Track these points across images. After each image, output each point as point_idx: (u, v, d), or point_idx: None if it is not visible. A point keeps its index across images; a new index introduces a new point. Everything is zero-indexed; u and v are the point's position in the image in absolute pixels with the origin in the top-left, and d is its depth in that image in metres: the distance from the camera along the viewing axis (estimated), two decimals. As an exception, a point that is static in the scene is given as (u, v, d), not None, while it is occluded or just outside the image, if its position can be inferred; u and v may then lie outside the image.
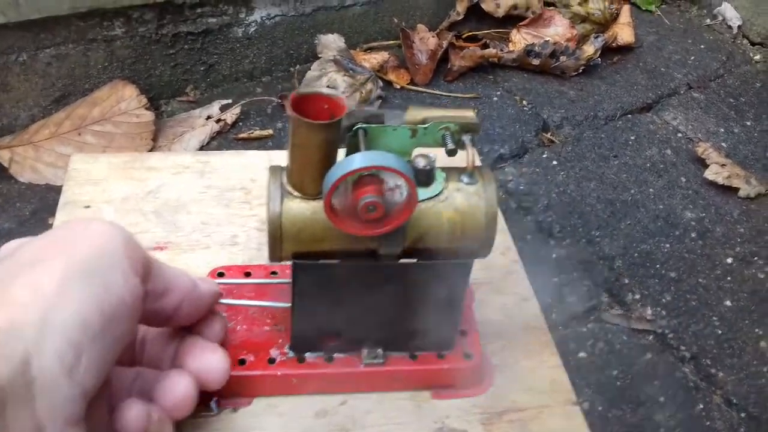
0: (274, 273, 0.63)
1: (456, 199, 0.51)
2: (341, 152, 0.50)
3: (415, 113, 0.51)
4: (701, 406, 0.65)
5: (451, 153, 0.51)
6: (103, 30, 0.83)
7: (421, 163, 0.50)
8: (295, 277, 0.53)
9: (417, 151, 0.52)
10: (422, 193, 0.50)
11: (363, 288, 0.54)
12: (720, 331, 0.71)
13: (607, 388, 0.65)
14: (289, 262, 0.54)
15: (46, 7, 0.76)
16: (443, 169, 0.53)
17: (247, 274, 0.63)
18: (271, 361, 0.57)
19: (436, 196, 0.51)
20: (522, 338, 0.66)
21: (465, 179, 0.52)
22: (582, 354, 0.68)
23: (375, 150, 0.51)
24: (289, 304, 0.55)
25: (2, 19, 0.74)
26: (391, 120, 0.52)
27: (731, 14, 1.22)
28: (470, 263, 0.54)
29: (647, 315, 0.73)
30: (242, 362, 0.56)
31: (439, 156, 0.52)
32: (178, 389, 0.42)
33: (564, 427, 0.58)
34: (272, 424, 0.56)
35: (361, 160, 0.46)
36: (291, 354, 0.57)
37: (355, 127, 0.50)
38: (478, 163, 0.59)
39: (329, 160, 0.48)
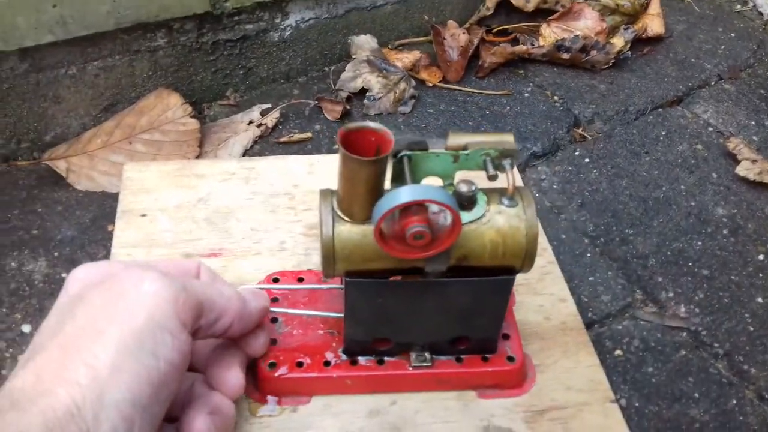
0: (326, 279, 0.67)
1: (497, 221, 0.54)
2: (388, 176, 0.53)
3: (456, 139, 0.54)
4: (734, 402, 0.67)
5: (492, 178, 0.54)
6: (147, 41, 0.85)
7: (464, 188, 0.53)
8: (347, 291, 0.57)
9: (459, 175, 0.55)
10: (465, 216, 0.53)
11: (410, 300, 0.58)
12: (752, 328, 0.74)
13: (643, 385, 0.68)
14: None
15: (92, 24, 0.79)
16: (485, 191, 0.56)
17: (300, 280, 0.67)
18: (327, 363, 0.61)
19: (478, 218, 0.54)
20: (560, 338, 0.69)
21: (506, 202, 0.55)
22: (618, 352, 0.71)
23: (419, 176, 0.54)
24: (342, 314, 0.59)
25: (52, 37, 0.77)
26: (433, 146, 0.54)
27: (762, 0, 1.22)
28: (512, 279, 0.57)
29: (681, 313, 0.75)
30: (300, 365, 0.61)
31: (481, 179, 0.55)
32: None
33: (603, 423, 0.62)
34: (329, 424, 0.60)
35: (408, 193, 0.49)
36: (344, 357, 0.61)
37: (399, 155, 0.53)
38: (519, 182, 0.61)
39: (377, 191, 0.51)
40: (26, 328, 0.69)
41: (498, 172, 0.54)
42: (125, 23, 0.80)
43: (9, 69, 0.79)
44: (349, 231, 0.53)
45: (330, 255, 0.54)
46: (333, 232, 0.53)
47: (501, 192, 0.55)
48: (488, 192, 0.56)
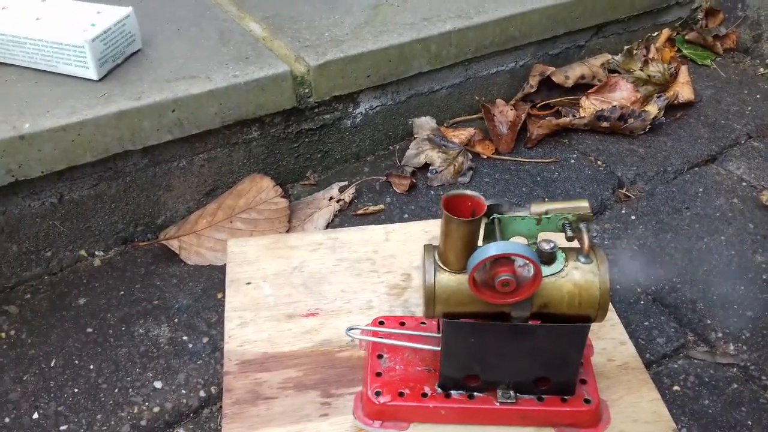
0: (422, 323, 0.78)
1: (574, 276, 0.65)
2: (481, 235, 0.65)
3: (538, 207, 0.66)
4: (785, 429, 0.75)
5: (570, 239, 0.65)
6: (243, 135, 1.00)
7: (545, 246, 0.64)
8: (445, 331, 0.68)
9: (542, 236, 0.66)
10: (546, 270, 0.64)
11: (498, 341, 0.68)
12: (797, 362, 0.82)
13: (701, 416, 0.76)
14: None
15: (203, 123, 0.93)
16: (563, 250, 0.67)
17: (402, 324, 0.79)
18: (424, 395, 0.72)
19: (558, 272, 0.65)
20: (623, 377, 0.78)
21: (582, 259, 0.66)
22: (676, 387, 0.80)
23: (507, 236, 0.65)
24: (438, 348, 0.70)
25: (170, 137, 0.92)
26: (519, 212, 0.66)
27: (783, 63, 1.33)
28: (587, 327, 0.67)
29: (730, 350, 0.83)
30: (401, 395, 0.71)
31: (561, 240, 0.66)
32: None
33: (668, 451, 0.70)
34: (426, 454, 0.69)
35: (496, 248, 0.61)
36: (439, 391, 0.72)
37: (492, 217, 0.65)
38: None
39: (471, 246, 0.63)
40: (158, 384, 0.80)
41: (575, 236, 0.65)
42: (228, 121, 0.95)
43: (132, 164, 0.93)
44: (447, 278, 0.65)
45: (431, 298, 0.65)
46: (434, 279, 0.65)
47: (578, 251, 0.66)
48: (566, 250, 0.67)
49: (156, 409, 0.77)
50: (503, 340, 0.69)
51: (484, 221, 0.65)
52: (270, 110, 0.98)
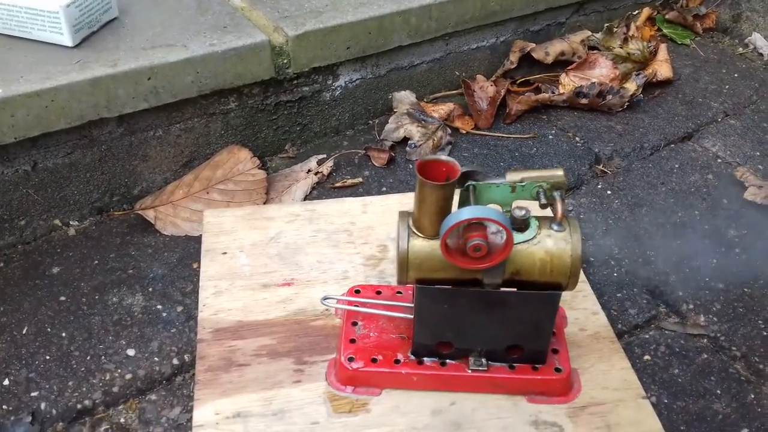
0: (399, 293, 0.78)
1: (547, 243, 0.65)
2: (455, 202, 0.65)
3: (514, 175, 0.66)
4: (752, 396, 0.76)
5: (543, 206, 0.65)
6: (221, 105, 0.99)
7: (518, 213, 0.65)
8: (417, 297, 0.68)
9: (516, 203, 0.66)
10: (519, 236, 0.65)
11: (470, 308, 0.69)
12: (766, 333, 0.83)
13: (670, 384, 0.77)
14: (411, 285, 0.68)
15: (179, 92, 0.92)
16: (537, 218, 0.67)
17: (378, 293, 0.79)
18: (397, 361, 0.72)
19: (530, 240, 0.65)
20: (594, 346, 0.79)
21: (555, 227, 0.66)
22: (646, 357, 0.81)
23: (482, 203, 0.66)
24: (412, 316, 0.70)
25: (145, 105, 0.91)
26: (495, 180, 0.66)
27: (761, 43, 1.34)
28: (558, 294, 0.68)
29: (701, 322, 0.84)
30: (374, 361, 0.72)
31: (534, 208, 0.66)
32: None
33: (637, 416, 0.72)
34: (399, 422, 0.70)
35: (469, 212, 0.61)
36: (412, 357, 0.72)
37: (466, 184, 0.65)
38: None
39: (446, 211, 0.63)
40: (131, 352, 0.80)
41: (549, 203, 0.65)
42: (205, 90, 0.94)
43: (107, 133, 0.92)
44: (421, 244, 0.65)
45: (404, 264, 0.65)
46: (408, 245, 0.65)
47: (551, 219, 0.66)
48: (540, 219, 0.68)
49: (128, 376, 0.77)
50: (475, 308, 0.69)
51: (458, 189, 0.65)
52: (248, 80, 0.97)
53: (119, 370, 0.78)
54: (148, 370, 0.78)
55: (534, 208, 0.67)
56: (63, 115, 0.86)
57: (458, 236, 0.63)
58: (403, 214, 0.68)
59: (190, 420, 0.71)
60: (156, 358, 0.79)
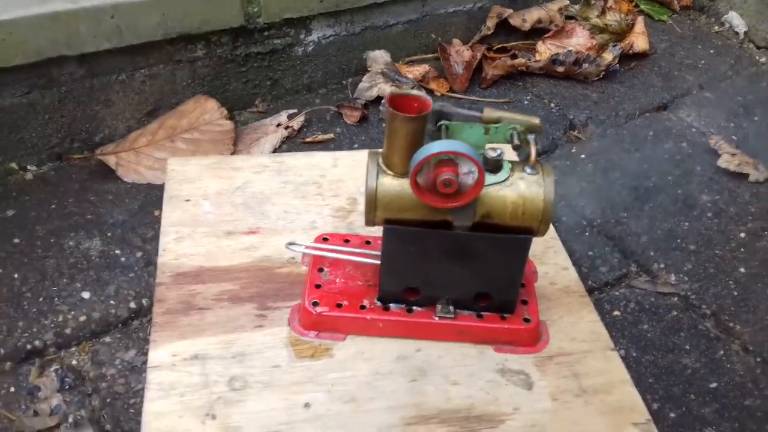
0: (367, 242, 0.76)
1: (519, 186, 0.64)
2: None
3: (490, 113, 0.64)
4: (722, 353, 0.75)
5: (516, 148, 0.63)
6: (188, 52, 0.96)
7: (491, 153, 0.63)
8: (385, 237, 0.66)
9: (489, 145, 0.64)
10: (491, 178, 0.63)
11: (439, 254, 0.67)
12: (736, 293, 0.82)
13: (639, 339, 0.76)
14: (379, 234, 0.66)
15: (144, 34, 0.89)
16: (510, 161, 0.65)
17: (346, 241, 0.76)
18: (363, 307, 0.70)
19: (502, 181, 0.63)
20: (564, 299, 0.78)
21: (528, 170, 0.64)
22: (616, 312, 0.79)
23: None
24: (379, 261, 0.68)
25: (108, 45, 0.88)
26: (470, 115, 0.64)
27: (737, 21, 1.34)
28: (529, 239, 0.66)
29: (671, 281, 0.84)
30: (339, 306, 0.69)
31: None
32: None
33: (605, 367, 0.70)
34: (363, 367, 0.68)
35: (439, 146, 0.59)
36: (378, 303, 0.70)
37: (438, 124, 0.63)
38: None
39: (416, 146, 0.61)
40: (86, 295, 0.77)
41: (522, 145, 0.63)
42: (171, 34, 0.91)
43: (68, 74, 0.88)
44: (390, 182, 0.63)
45: (372, 202, 0.63)
46: (376, 183, 0.62)
47: (525, 162, 0.65)
48: (513, 162, 0.66)
49: (82, 318, 0.74)
50: (445, 252, 0.67)
51: (431, 121, 0.63)
52: (216, 27, 0.94)
53: (73, 312, 0.74)
54: (103, 313, 0.75)
55: (508, 153, 0.65)
56: (20, 50, 0.82)
57: (428, 172, 0.61)
58: (373, 153, 0.66)
59: (145, 362, 0.68)
60: (112, 302, 0.76)
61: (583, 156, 1.02)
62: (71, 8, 0.83)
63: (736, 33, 1.33)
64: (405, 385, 0.67)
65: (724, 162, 0.99)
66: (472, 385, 0.67)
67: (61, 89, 0.89)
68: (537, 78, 1.18)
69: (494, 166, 0.64)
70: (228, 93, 1.03)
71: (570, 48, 1.18)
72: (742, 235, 0.90)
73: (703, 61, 1.25)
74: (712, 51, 1.29)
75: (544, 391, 0.67)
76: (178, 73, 0.97)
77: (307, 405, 0.64)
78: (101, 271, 0.79)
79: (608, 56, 1.18)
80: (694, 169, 1.01)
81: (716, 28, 1.36)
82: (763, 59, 1.27)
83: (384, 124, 1.05)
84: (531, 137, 0.65)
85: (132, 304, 0.76)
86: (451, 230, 0.65)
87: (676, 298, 0.82)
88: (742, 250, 0.88)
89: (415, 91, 0.63)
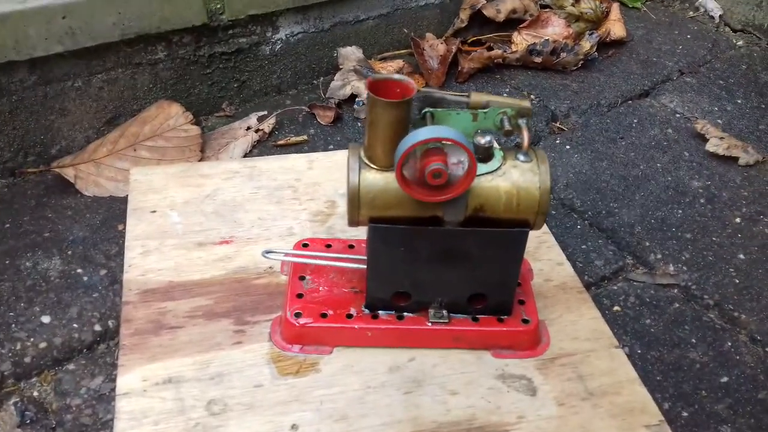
0: (351, 246, 0.71)
1: (513, 175, 0.59)
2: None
3: (478, 97, 0.59)
4: (729, 344, 0.72)
5: (507, 134, 0.59)
6: (148, 54, 0.90)
7: (481, 140, 0.58)
8: (371, 238, 0.60)
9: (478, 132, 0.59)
10: (482, 167, 0.58)
11: (429, 253, 0.62)
12: (737, 281, 0.79)
13: (643, 334, 0.72)
14: (363, 237, 0.61)
15: (99, 35, 0.83)
16: (501, 148, 0.60)
17: (328, 246, 0.71)
18: (349, 316, 0.64)
19: (494, 171, 0.59)
20: (561, 296, 0.73)
21: (521, 157, 0.60)
22: (616, 308, 0.75)
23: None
24: (365, 266, 0.62)
25: (60, 48, 0.82)
26: (457, 101, 0.59)
27: (711, 5, 1.32)
28: (525, 233, 0.61)
29: (670, 271, 0.80)
30: (324, 316, 0.64)
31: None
32: None
33: (610, 366, 0.66)
34: (352, 381, 0.62)
35: (426, 132, 0.54)
36: (366, 311, 0.65)
37: (423, 111, 0.58)
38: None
39: (400, 136, 0.56)
40: (46, 319, 0.70)
41: (513, 130, 0.59)
42: (129, 34, 0.85)
43: (19, 81, 0.82)
44: (374, 177, 0.57)
45: (355, 200, 0.58)
46: (359, 178, 0.57)
47: (517, 149, 0.60)
48: (505, 149, 0.61)
49: (42, 345, 0.68)
50: (435, 252, 0.62)
51: (416, 105, 0.58)
52: (177, 25, 0.88)
53: (32, 339, 0.68)
54: (65, 338, 0.68)
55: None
56: (-36, 56, 0.76)
57: (415, 163, 0.56)
58: (354, 146, 0.61)
59: (113, 390, 0.62)
60: (75, 325, 0.70)
61: (568, 147, 0.98)
62: (18, 9, 0.77)
63: (712, 17, 1.31)
64: (399, 398, 0.62)
65: (712, 146, 0.96)
66: (472, 394, 0.62)
67: (12, 98, 0.83)
68: (514, 70, 1.14)
69: (485, 154, 0.60)
70: (193, 97, 0.97)
71: (546, 37, 1.15)
72: (738, 220, 0.87)
73: (680, 47, 1.23)
74: (689, 36, 1.26)
75: (549, 396, 0.62)
76: (139, 77, 0.91)
77: (294, 427, 0.59)
78: (62, 293, 0.73)
79: (586, 45, 1.15)
80: (682, 154, 0.98)
81: (691, 13, 1.33)
82: (740, 42, 1.25)
83: (360, 123, 1.01)
84: (522, 121, 0.60)
85: (97, 327, 0.70)
86: (441, 227, 0.60)
87: (676, 290, 0.78)
88: (739, 235, 0.84)
89: (397, 75, 0.58)
